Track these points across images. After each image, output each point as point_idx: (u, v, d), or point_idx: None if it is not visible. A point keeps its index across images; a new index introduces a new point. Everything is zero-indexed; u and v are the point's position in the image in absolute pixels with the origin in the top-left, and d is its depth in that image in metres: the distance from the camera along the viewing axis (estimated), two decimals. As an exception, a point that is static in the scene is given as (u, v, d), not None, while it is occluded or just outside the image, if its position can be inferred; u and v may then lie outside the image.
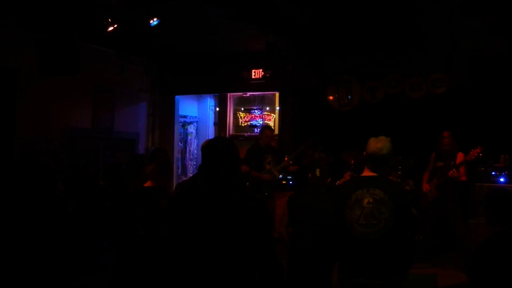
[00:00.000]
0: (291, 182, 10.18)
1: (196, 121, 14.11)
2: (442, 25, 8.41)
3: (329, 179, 5.10)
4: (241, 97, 12.72)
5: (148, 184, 5.59)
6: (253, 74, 11.48)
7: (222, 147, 2.93)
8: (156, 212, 5.25)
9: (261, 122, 12.21)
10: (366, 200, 3.64)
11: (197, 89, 12.62)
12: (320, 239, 4.66)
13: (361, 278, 3.62)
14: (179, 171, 13.51)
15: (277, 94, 11.93)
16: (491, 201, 3.80)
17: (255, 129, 11.96)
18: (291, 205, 4.98)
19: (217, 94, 13.11)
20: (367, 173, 3.80)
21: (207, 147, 2.97)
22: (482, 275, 3.58)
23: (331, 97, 10.53)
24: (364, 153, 3.82)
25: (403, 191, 4.31)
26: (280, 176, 9.69)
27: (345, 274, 3.74)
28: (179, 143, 13.48)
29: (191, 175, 12.16)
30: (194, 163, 13.88)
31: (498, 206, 3.71)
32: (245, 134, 12.33)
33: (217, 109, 13.28)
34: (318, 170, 4.98)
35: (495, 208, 3.72)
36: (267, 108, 12.42)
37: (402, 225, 3.62)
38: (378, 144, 3.74)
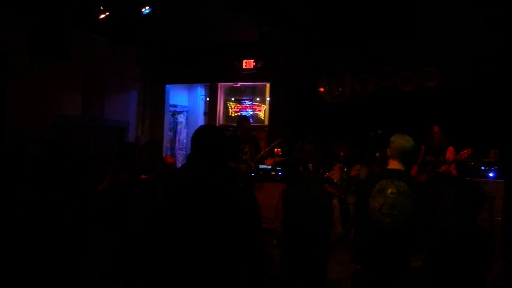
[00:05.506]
0: (280, 173, 10.20)
1: (186, 111, 14.07)
2: (438, 20, 8.42)
3: (321, 170, 5.14)
4: (231, 87, 12.72)
5: (144, 176, 5.60)
6: (244, 64, 11.46)
7: (216, 137, 2.91)
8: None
9: (251, 113, 12.22)
10: (389, 190, 3.71)
11: (188, 79, 12.60)
12: (316, 232, 4.72)
13: (368, 267, 3.70)
14: (168, 160, 13.41)
15: (268, 85, 11.90)
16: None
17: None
18: (286, 200, 4.97)
19: (208, 84, 13.09)
20: (392, 166, 3.90)
21: (203, 136, 2.93)
22: None
23: (321, 89, 10.55)
24: (388, 149, 3.96)
25: (426, 187, 4.35)
26: (266, 166, 9.75)
27: (355, 261, 3.81)
28: (169, 133, 13.44)
29: (180, 164, 12.14)
30: (184, 152, 13.84)
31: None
32: (235, 124, 12.30)
33: (208, 98, 13.27)
34: (310, 164, 5.00)
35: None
36: (258, 99, 12.42)
37: (420, 220, 3.69)
38: (404, 139, 3.91)
